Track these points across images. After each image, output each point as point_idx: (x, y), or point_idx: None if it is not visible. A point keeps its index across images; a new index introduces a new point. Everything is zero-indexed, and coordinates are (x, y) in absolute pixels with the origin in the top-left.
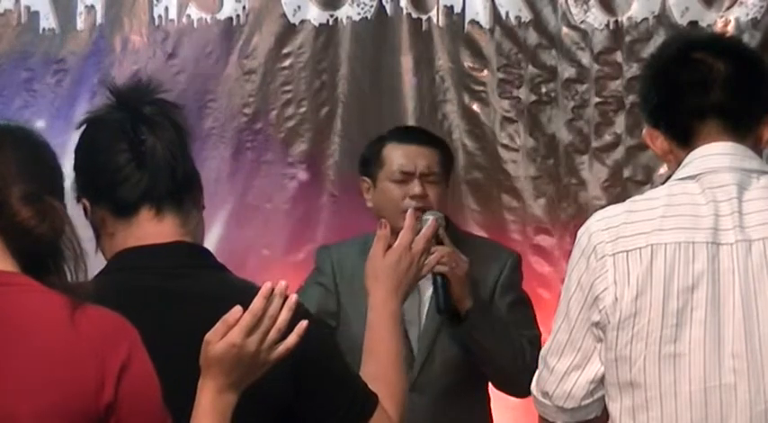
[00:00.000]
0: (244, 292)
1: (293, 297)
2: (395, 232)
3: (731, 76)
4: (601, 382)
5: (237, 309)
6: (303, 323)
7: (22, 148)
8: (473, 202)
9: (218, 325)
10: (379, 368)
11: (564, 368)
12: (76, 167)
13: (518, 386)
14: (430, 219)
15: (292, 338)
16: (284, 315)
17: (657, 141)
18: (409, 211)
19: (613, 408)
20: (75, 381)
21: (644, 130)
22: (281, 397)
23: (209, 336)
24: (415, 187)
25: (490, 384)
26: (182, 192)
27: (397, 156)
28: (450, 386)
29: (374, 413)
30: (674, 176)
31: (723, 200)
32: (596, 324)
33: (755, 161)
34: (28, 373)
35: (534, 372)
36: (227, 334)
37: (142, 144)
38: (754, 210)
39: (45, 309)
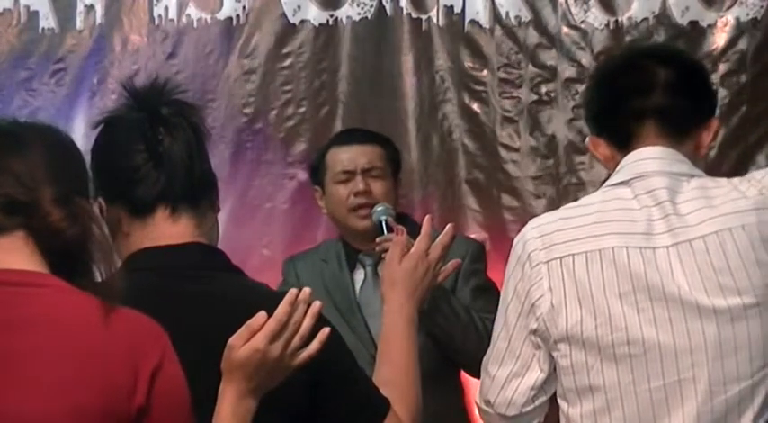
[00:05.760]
0: (257, 295)
1: (317, 304)
2: (349, 233)
3: (672, 81)
4: (541, 388)
5: (262, 314)
6: (326, 330)
7: (51, 148)
8: (473, 203)
9: (241, 330)
10: (393, 373)
11: (504, 376)
12: (93, 167)
13: None
14: (379, 210)
15: (315, 345)
16: (308, 322)
17: (600, 148)
18: (427, 217)
19: (573, 413)
20: (107, 382)
21: (587, 139)
22: (297, 402)
23: (232, 340)
24: (358, 184)
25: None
26: (197, 193)
27: (338, 158)
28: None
29: (386, 418)
30: (608, 182)
31: (653, 205)
32: (534, 331)
33: (685, 165)
34: (59, 373)
35: None
36: (251, 339)
37: (160, 144)
38: (690, 210)
39: (77, 310)
